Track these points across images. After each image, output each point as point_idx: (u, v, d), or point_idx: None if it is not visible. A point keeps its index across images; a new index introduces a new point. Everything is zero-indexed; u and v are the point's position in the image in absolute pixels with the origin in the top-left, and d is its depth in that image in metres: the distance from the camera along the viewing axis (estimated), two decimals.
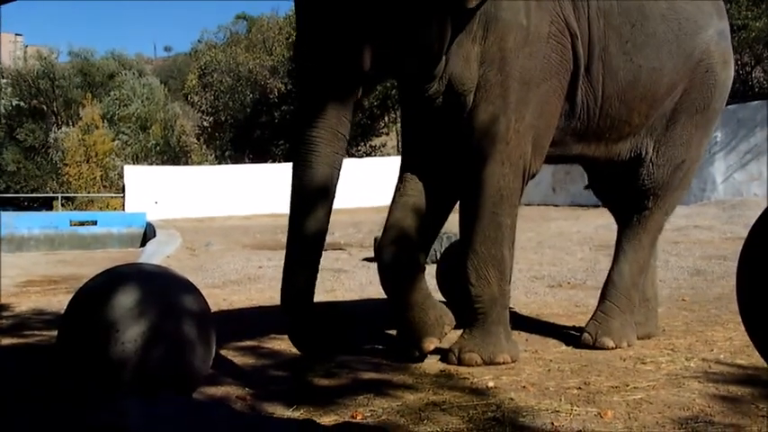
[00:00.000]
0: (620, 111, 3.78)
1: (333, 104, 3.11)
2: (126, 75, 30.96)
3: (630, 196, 4.11)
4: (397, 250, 3.64)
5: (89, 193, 25.77)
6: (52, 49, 32.89)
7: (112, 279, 2.70)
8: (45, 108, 30.63)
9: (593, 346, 3.83)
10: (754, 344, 0.89)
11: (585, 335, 3.91)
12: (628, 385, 3.13)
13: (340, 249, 10.71)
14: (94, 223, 17.42)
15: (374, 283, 6.80)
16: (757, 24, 16.52)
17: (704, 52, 3.93)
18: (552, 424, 2.64)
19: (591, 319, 4.01)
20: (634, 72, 3.73)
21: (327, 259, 9.31)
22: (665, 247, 7.58)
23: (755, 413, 2.73)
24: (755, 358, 3.46)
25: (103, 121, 28.42)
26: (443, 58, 3.39)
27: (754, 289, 0.86)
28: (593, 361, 3.58)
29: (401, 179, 3.77)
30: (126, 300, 2.54)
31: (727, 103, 4.44)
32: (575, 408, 2.82)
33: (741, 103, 13.72)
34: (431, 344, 3.56)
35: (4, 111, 28.47)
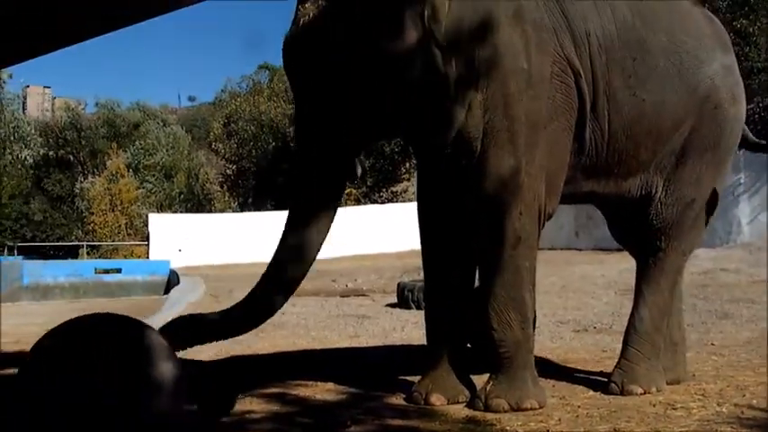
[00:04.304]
0: (626, 145, 3.79)
1: (328, 187, 3.44)
2: (151, 124, 31.44)
3: (643, 237, 4.08)
4: (439, 302, 3.83)
5: (114, 241, 25.99)
6: (79, 100, 33.70)
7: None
8: (72, 158, 31.08)
9: (621, 394, 3.77)
10: None
11: (612, 385, 3.84)
12: (659, 431, 3.07)
13: (363, 295, 10.69)
14: (119, 271, 17.55)
15: (397, 329, 6.79)
16: None
17: (710, 88, 3.92)
18: None
19: (615, 367, 3.95)
20: (638, 106, 3.74)
21: (350, 305, 9.30)
22: (692, 291, 7.49)
23: None
24: None
25: (128, 170, 28.76)
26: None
27: None
28: (622, 407, 3.53)
29: (425, 230, 3.89)
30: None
31: None
32: None
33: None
34: (437, 400, 3.66)
35: (32, 161, 28.91)
